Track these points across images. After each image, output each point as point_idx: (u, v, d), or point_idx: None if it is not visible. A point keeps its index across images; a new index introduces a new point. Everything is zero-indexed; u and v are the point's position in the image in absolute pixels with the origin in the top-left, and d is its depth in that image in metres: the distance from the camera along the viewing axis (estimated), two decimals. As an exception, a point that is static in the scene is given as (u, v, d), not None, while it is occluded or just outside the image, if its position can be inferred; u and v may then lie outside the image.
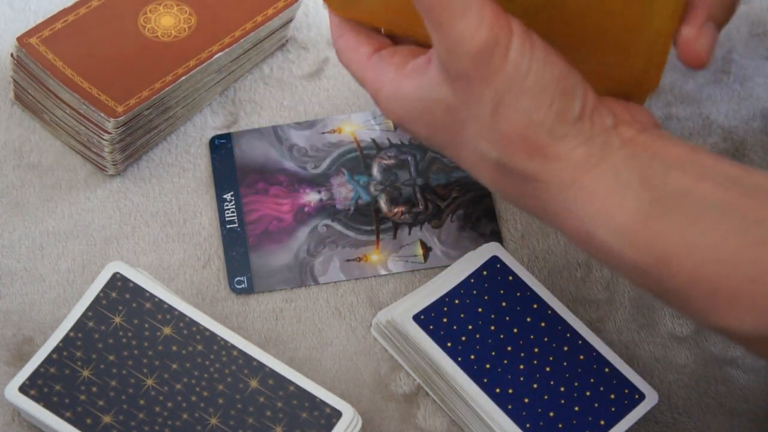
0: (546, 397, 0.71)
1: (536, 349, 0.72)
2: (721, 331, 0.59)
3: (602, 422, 0.71)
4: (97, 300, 0.72)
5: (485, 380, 0.71)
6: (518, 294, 0.74)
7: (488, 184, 0.64)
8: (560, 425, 0.70)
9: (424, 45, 0.64)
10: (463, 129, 0.62)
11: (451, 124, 0.63)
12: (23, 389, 0.70)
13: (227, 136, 0.82)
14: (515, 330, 0.73)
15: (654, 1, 0.62)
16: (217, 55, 0.79)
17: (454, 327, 0.72)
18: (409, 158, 0.81)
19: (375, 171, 0.81)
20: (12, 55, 0.78)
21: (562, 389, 0.71)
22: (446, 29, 0.59)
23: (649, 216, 0.59)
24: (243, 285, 0.77)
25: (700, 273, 0.58)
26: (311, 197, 0.80)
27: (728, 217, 0.58)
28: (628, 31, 0.63)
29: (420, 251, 0.79)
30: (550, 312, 0.73)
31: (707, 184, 0.59)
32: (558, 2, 0.62)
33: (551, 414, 0.71)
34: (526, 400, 0.71)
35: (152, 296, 0.72)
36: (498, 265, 0.74)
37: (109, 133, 0.77)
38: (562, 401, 0.71)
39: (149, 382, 0.70)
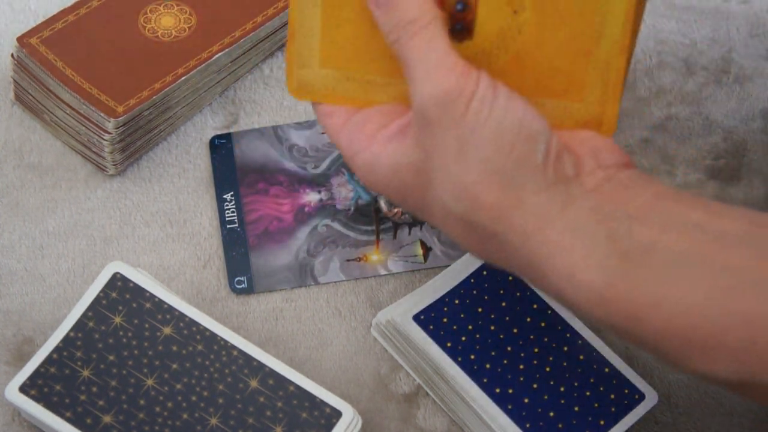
0: (546, 397, 0.71)
1: (536, 349, 0.72)
2: (705, 378, 0.59)
3: (602, 422, 0.71)
4: (97, 300, 0.72)
5: (485, 380, 0.71)
6: (518, 294, 0.74)
7: (458, 242, 0.63)
8: (560, 425, 0.70)
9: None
10: (430, 185, 0.62)
11: (419, 185, 0.62)
12: (23, 389, 0.70)
13: (227, 136, 0.82)
14: (515, 330, 0.73)
15: (602, 32, 0.62)
16: (217, 55, 0.79)
17: (454, 327, 0.72)
18: (409, 158, 0.81)
19: (375, 171, 0.81)
20: (12, 55, 0.79)
21: (562, 389, 0.71)
22: (420, 80, 0.60)
23: (614, 274, 0.58)
24: (243, 285, 0.77)
25: (671, 327, 0.58)
26: (311, 197, 0.80)
27: (694, 267, 0.58)
28: (578, 64, 0.63)
29: (420, 251, 0.79)
30: (550, 312, 0.73)
31: (672, 235, 0.58)
32: (509, 44, 0.63)
33: (551, 414, 0.71)
34: (526, 400, 0.71)
35: (152, 296, 0.72)
36: (498, 265, 0.74)
37: (109, 133, 0.77)
38: (562, 401, 0.71)
39: (149, 382, 0.70)
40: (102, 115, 0.76)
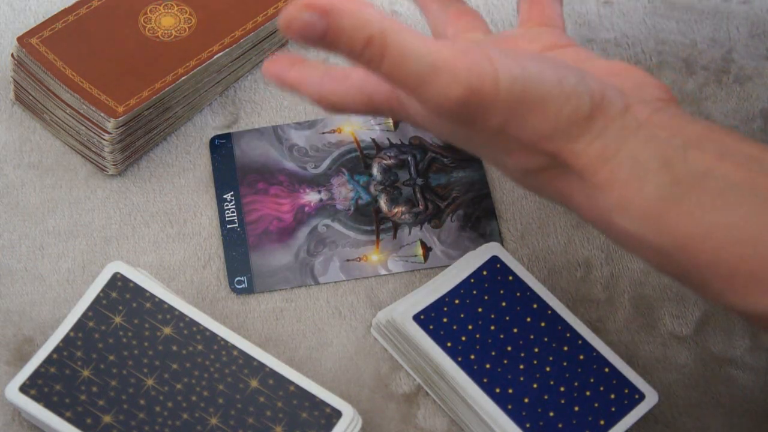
0: (546, 397, 0.71)
1: (536, 349, 0.72)
2: (740, 312, 0.59)
3: (602, 422, 0.71)
4: (97, 300, 0.72)
5: (485, 380, 0.71)
6: (518, 294, 0.74)
7: (515, 183, 0.65)
8: (560, 425, 0.70)
9: None
10: (481, 147, 0.63)
11: (468, 142, 0.63)
12: (23, 389, 0.70)
13: (227, 136, 0.82)
14: (515, 330, 0.73)
15: None
16: (217, 55, 0.79)
17: (454, 327, 0.72)
18: (409, 158, 0.82)
19: (375, 171, 0.81)
20: (12, 55, 0.79)
21: (562, 389, 0.71)
22: (424, 96, 0.58)
23: (668, 200, 0.59)
24: (243, 285, 0.77)
25: (720, 255, 0.58)
26: (311, 197, 0.80)
27: (749, 198, 0.58)
28: None
29: (420, 251, 0.79)
30: (550, 312, 0.73)
31: (727, 164, 0.59)
32: None
33: (551, 414, 0.71)
34: (526, 400, 0.71)
35: (152, 296, 0.72)
36: (498, 265, 0.74)
37: (109, 133, 0.77)
38: (562, 401, 0.71)
39: (149, 382, 0.70)
40: (102, 115, 0.76)
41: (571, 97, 0.60)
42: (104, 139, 0.77)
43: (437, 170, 0.81)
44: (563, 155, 0.61)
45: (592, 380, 0.72)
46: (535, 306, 0.74)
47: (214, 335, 0.71)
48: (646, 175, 0.59)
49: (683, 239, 0.59)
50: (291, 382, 0.71)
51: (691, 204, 0.59)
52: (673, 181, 0.59)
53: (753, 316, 0.59)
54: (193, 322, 0.71)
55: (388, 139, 0.82)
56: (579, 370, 0.72)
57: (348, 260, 0.78)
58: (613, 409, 0.71)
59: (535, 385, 0.71)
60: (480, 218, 0.80)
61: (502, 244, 0.79)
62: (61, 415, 0.69)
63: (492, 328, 0.73)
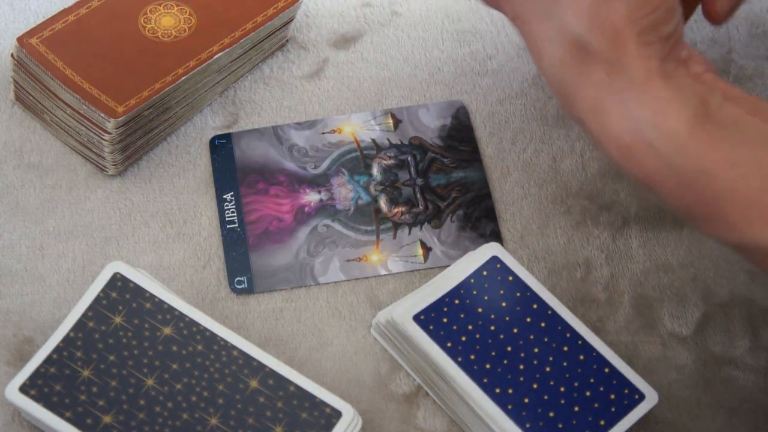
0: (546, 397, 0.71)
1: (536, 349, 0.72)
2: (752, 248, 0.61)
3: (602, 422, 0.71)
4: (97, 300, 0.72)
5: (485, 380, 0.71)
6: (518, 294, 0.74)
7: (551, 63, 0.65)
8: (560, 425, 0.70)
9: None
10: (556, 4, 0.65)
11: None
12: (23, 389, 0.70)
13: (227, 136, 0.82)
14: (515, 330, 0.73)
15: None
16: (217, 56, 0.79)
17: (454, 327, 0.72)
18: (409, 158, 0.82)
19: (375, 171, 0.81)
20: (12, 55, 0.79)
21: (562, 389, 0.71)
22: None
23: (700, 129, 0.62)
24: (243, 285, 0.77)
25: (740, 184, 0.60)
26: (311, 197, 0.80)
27: None
28: None
29: (420, 251, 0.79)
30: (550, 312, 0.73)
31: (757, 118, 0.62)
32: None
33: (551, 414, 0.71)
34: (526, 400, 0.71)
35: (152, 296, 0.72)
36: (498, 265, 0.74)
37: (109, 133, 0.77)
38: (562, 401, 0.71)
39: (149, 382, 0.70)
40: (102, 115, 0.76)
41: (668, 12, 0.63)
42: (104, 139, 0.77)
43: (437, 170, 0.81)
44: (630, 47, 0.63)
45: (592, 380, 0.72)
46: (535, 306, 0.74)
47: (214, 335, 0.71)
48: (686, 105, 0.62)
49: (707, 164, 0.61)
50: (291, 383, 0.70)
51: (720, 138, 0.61)
52: (707, 118, 0.62)
53: (765, 252, 0.61)
54: (193, 323, 0.71)
55: (388, 139, 0.82)
56: (579, 370, 0.72)
57: (348, 260, 0.78)
58: (613, 409, 0.71)
59: (535, 386, 0.71)
60: (480, 218, 0.80)
61: (502, 244, 0.79)
62: (61, 415, 0.69)
63: (492, 328, 0.73)
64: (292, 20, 0.84)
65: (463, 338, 0.72)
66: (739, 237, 0.61)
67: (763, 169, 0.60)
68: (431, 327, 0.72)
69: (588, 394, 0.71)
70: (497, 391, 0.71)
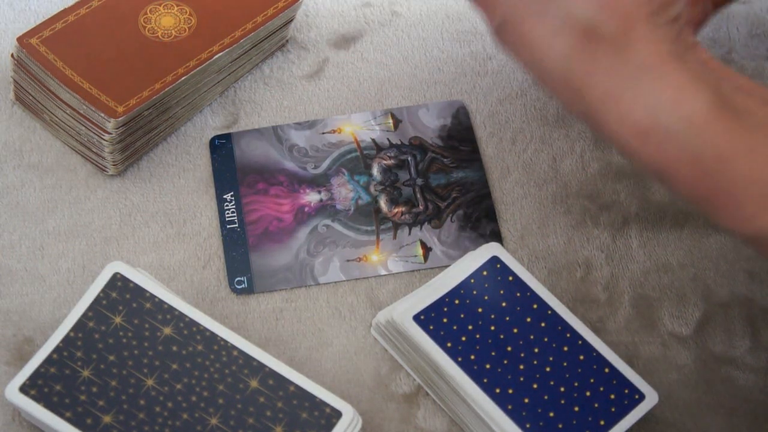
0: (546, 397, 0.71)
1: (536, 349, 0.72)
2: (764, 239, 0.60)
3: (602, 422, 0.71)
4: (97, 300, 0.72)
5: (485, 380, 0.71)
6: (518, 294, 0.74)
7: (555, 59, 0.63)
8: (560, 425, 0.70)
9: None
10: None
11: None
12: (23, 389, 0.70)
13: (227, 136, 0.82)
14: (515, 330, 0.73)
15: None
16: (217, 56, 0.79)
17: (454, 327, 0.72)
18: (409, 158, 0.82)
19: (375, 171, 0.81)
20: (12, 55, 0.79)
21: (562, 389, 0.71)
22: None
23: (717, 114, 0.61)
24: (243, 285, 0.77)
25: (757, 173, 0.60)
26: (311, 197, 0.80)
27: None
28: None
29: (420, 251, 0.79)
30: (550, 312, 0.73)
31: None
32: None
33: (551, 414, 0.71)
34: (526, 400, 0.71)
35: (152, 296, 0.72)
36: (498, 265, 0.74)
37: (109, 133, 0.77)
38: (562, 401, 0.71)
39: (149, 382, 0.70)
40: (102, 115, 0.76)
41: None
42: (104, 139, 0.77)
43: (437, 170, 0.81)
44: (640, 30, 0.62)
45: (592, 380, 0.72)
46: (535, 306, 0.74)
47: (214, 335, 0.71)
48: (700, 90, 0.61)
49: (724, 150, 0.60)
50: (291, 383, 0.70)
51: (736, 126, 0.60)
52: (723, 102, 0.61)
53: None
54: (193, 323, 0.71)
55: (388, 139, 0.82)
56: (579, 370, 0.72)
57: (348, 260, 0.78)
58: (613, 409, 0.71)
59: (535, 386, 0.71)
60: (480, 218, 0.80)
61: (502, 244, 0.79)
62: (61, 415, 0.69)
63: (492, 328, 0.73)
64: (292, 20, 0.84)
65: (463, 338, 0.72)
66: (754, 227, 0.60)
67: None
68: (431, 327, 0.72)
69: (588, 394, 0.71)
70: (497, 391, 0.71)
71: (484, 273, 0.74)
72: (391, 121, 0.83)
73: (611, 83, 0.62)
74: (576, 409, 0.71)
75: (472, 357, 0.72)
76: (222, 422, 0.69)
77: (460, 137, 0.83)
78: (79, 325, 0.71)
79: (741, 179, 0.60)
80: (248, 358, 0.71)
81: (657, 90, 0.61)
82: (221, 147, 0.81)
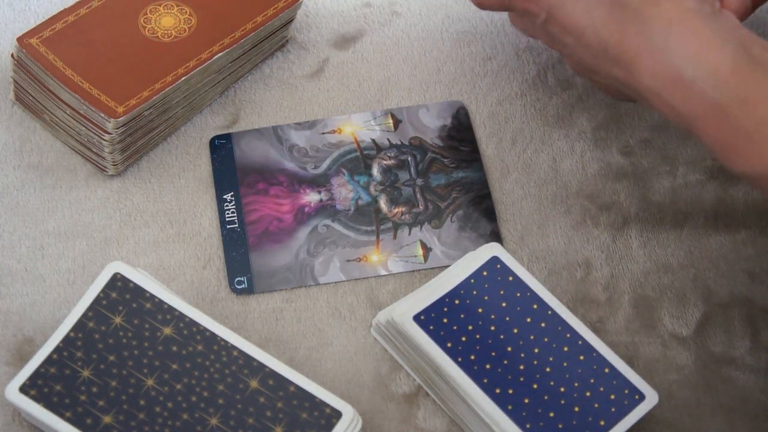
0: (546, 397, 0.71)
1: (536, 349, 0.72)
2: None
3: (602, 422, 0.71)
4: (97, 300, 0.72)
5: (485, 380, 0.71)
6: (518, 294, 0.74)
7: (593, 31, 0.68)
8: (560, 425, 0.70)
9: None
10: None
11: None
12: (23, 389, 0.70)
13: (227, 137, 0.82)
14: (515, 330, 0.73)
15: None
16: (217, 56, 0.79)
17: (454, 327, 0.72)
18: (409, 158, 0.82)
19: (375, 171, 0.81)
20: (12, 55, 0.79)
21: (562, 389, 0.71)
22: None
23: (742, 66, 0.65)
24: (243, 285, 0.77)
25: None
26: (311, 197, 0.80)
27: None
28: None
29: (420, 251, 0.79)
30: (550, 312, 0.73)
31: None
32: None
33: (551, 414, 0.71)
34: (526, 400, 0.71)
35: (152, 296, 0.72)
36: (498, 265, 0.74)
37: (109, 133, 0.77)
38: (562, 401, 0.71)
39: (149, 382, 0.70)
40: (102, 115, 0.76)
41: None
42: (104, 140, 0.77)
43: (437, 170, 0.81)
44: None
45: (592, 381, 0.72)
46: (535, 306, 0.74)
47: (214, 335, 0.71)
48: (725, 44, 0.65)
49: (750, 95, 0.64)
50: (291, 383, 0.70)
51: (758, 77, 0.65)
52: (744, 58, 0.65)
53: None
54: (193, 323, 0.71)
55: (388, 139, 0.82)
56: (579, 370, 0.72)
57: (348, 260, 0.78)
58: (613, 409, 0.71)
59: (535, 386, 0.71)
60: (480, 218, 0.80)
61: (502, 245, 0.79)
62: (61, 415, 0.69)
63: (492, 328, 0.73)
64: (292, 20, 0.84)
65: (463, 338, 0.72)
66: (762, 172, 0.64)
67: None
68: (431, 327, 0.72)
69: (588, 394, 0.71)
70: (497, 391, 0.71)
71: (484, 273, 0.74)
72: (391, 121, 0.83)
73: (641, 43, 0.67)
74: (576, 409, 0.71)
75: (472, 357, 0.72)
76: (222, 422, 0.69)
77: (460, 137, 0.83)
78: (79, 325, 0.71)
79: (762, 121, 0.64)
80: (248, 359, 0.71)
81: (682, 44, 0.66)
82: (221, 147, 0.81)
